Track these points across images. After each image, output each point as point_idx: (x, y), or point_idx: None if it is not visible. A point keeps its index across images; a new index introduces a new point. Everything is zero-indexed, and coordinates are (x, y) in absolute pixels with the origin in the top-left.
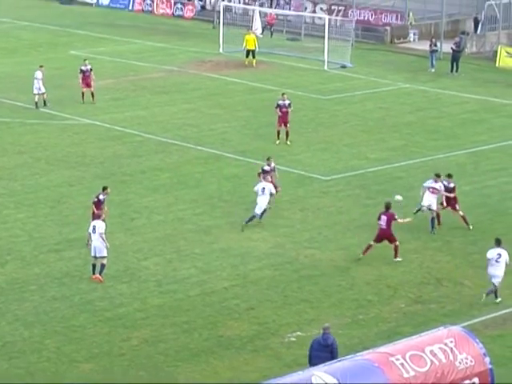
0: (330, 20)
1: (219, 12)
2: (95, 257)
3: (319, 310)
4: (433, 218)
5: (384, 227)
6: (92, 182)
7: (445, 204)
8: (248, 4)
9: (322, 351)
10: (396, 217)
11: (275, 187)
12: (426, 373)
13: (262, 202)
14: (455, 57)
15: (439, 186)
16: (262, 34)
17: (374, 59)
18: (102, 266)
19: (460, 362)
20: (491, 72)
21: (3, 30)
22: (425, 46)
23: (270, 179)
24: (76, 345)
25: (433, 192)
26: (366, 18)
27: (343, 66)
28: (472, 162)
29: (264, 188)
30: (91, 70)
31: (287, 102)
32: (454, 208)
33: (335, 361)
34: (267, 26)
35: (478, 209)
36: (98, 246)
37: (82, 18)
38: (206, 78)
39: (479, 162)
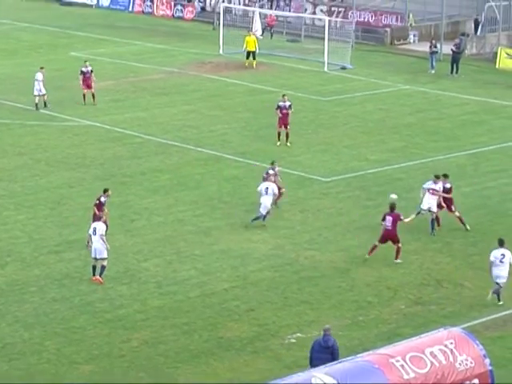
0: (330, 21)
1: (219, 13)
2: (95, 258)
3: (319, 312)
4: (433, 220)
5: (390, 228)
6: (92, 184)
7: (443, 205)
8: (248, 5)
9: (323, 353)
10: (402, 217)
11: (279, 188)
12: (426, 374)
13: (267, 202)
14: (455, 58)
15: (438, 187)
16: (262, 35)
17: (374, 61)
18: (103, 267)
19: (460, 364)
20: (491, 73)
21: (3, 32)
22: (425, 47)
23: (273, 179)
24: (76, 346)
25: (432, 193)
26: (366, 20)
27: (343, 68)
28: (472, 163)
29: (267, 188)
30: (92, 71)
31: (288, 104)
32: (449, 209)
33: (335, 362)
34: (267, 28)
35: (478, 210)
36: (99, 247)
37: (82, 19)
38: (206, 80)
39: (479, 163)
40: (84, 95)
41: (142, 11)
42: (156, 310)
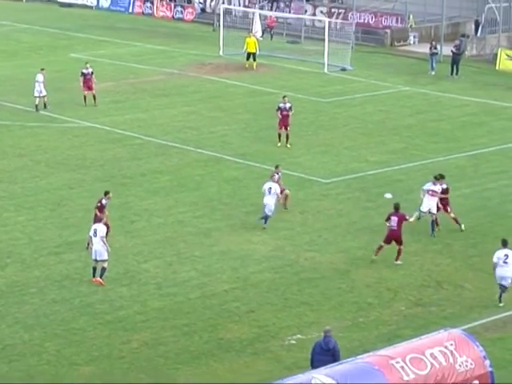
0: (330, 23)
1: (219, 15)
2: (96, 260)
3: (319, 313)
4: (433, 221)
5: (395, 228)
6: (92, 185)
7: (439, 206)
8: (248, 7)
9: (324, 355)
10: (407, 217)
11: (283, 190)
12: (426, 376)
13: (270, 202)
14: (455, 59)
15: (438, 188)
16: (262, 36)
17: (374, 62)
18: (103, 269)
19: (460, 365)
20: (491, 75)
21: (3, 33)
22: (425, 48)
23: (276, 179)
24: (76, 348)
25: (432, 195)
26: (366, 21)
27: (343, 69)
28: (472, 164)
29: (270, 188)
30: (92, 73)
31: (288, 105)
32: (445, 209)
33: (335, 364)
34: (267, 29)
35: (478, 212)
36: (99, 249)
37: (81, 20)
38: (206, 81)
39: (479, 164)
40: (85, 97)
41: (142, 12)
42: (156, 311)
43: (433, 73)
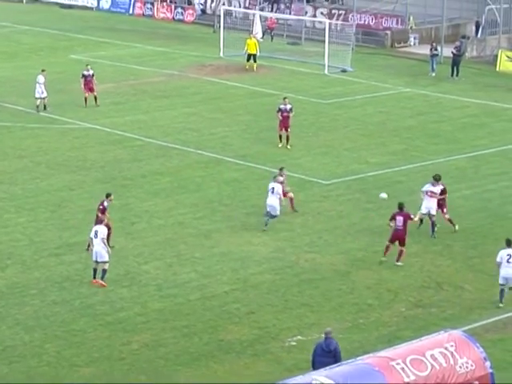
0: (330, 24)
1: (220, 16)
2: (96, 261)
3: (320, 314)
4: (433, 222)
5: (401, 228)
6: (92, 187)
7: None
8: (248, 8)
9: (326, 357)
10: (412, 216)
11: (286, 192)
12: (426, 377)
13: (272, 202)
14: (456, 61)
15: (437, 189)
16: (263, 38)
17: (374, 63)
18: (104, 271)
19: (460, 367)
20: (492, 76)
21: (4, 34)
22: (425, 50)
23: (281, 180)
24: (76, 349)
25: (431, 196)
26: (366, 22)
27: (344, 70)
28: (472, 166)
29: (273, 188)
30: (93, 75)
31: (288, 107)
32: (441, 210)
33: (336, 365)
34: (267, 30)
35: (478, 213)
36: (100, 250)
37: (82, 22)
38: (207, 82)
39: (480, 166)
40: (85, 98)
41: (143, 14)
42: (156, 312)
43: (433, 74)
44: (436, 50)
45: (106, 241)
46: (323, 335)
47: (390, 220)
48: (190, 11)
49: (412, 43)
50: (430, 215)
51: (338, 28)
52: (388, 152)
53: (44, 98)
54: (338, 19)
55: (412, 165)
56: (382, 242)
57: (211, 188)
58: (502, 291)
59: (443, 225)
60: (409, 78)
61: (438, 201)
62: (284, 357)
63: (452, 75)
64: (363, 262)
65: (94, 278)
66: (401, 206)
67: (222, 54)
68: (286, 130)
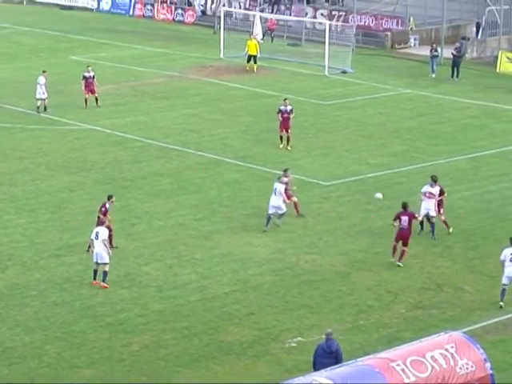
0: (330, 25)
1: (220, 17)
2: (97, 263)
3: (320, 316)
4: (433, 223)
5: (406, 227)
6: (93, 188)
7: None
8: (249, 9)
9: (327, 358)
10: (416, 215)
11: (290, 196)
12: (426, 378)
13: (276, 203)
14: (456, 62)
15: (435, 190)
16: (263, 39)
17: (374, 64)
18: (105, 273)
19: (461, 368)
20: (492, 77)
21: (4, 36)
22: (425, 51)
23: (285, 180)
24: (76, 350)
25: (429, 197)
26: (366, 24)
27: (344, 72)
28: (472, 167)
29: (276, 188)
30: (94, 76)
31: (289, 108)
32: (438, 211)
33: (336, 366)
34: (268, 32)
35: (478, 214)
36: (100, 252)
37: (82, 23)
38: (207, 84)
39: (480, 167)
40: (86, 99)
41: (143, 15)
42: (156, 313)
43: (433, 75)
44: (436, 51)
45: (106, 242)
46: (324, 336)
47: (394, 220)
48: (191, 12)
49: (412, 44)
50: (428, 216)
51: (339, 29)
52: (388, 153)
53: (45, 99)
54: (338, 20)
55: (412, 166)
56: (382, 243)
57: (211, 189)
58: (503, 290)
59: (444, 228)
60: (409, 79)
61: (437, 202)
62: (284, 358)
63: (452, 76)
64: (363, 263)
65: (95, 279)
66: (405, 206)
67: (222, 56)
68: (287, 131)
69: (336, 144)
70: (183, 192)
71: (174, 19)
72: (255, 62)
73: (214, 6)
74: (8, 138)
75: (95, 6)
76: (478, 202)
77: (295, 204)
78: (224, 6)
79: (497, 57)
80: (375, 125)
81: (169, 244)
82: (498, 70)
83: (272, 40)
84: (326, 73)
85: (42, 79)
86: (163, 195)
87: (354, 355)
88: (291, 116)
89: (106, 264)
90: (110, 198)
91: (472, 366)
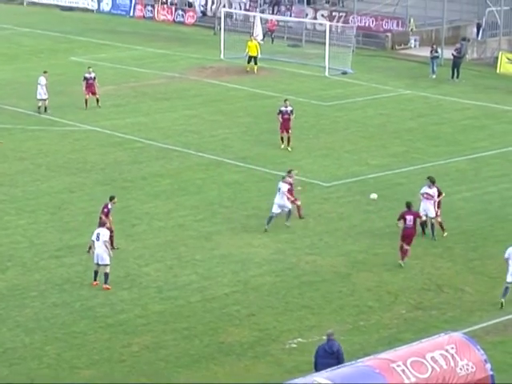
0: (330, 26)
1: (220, 18)
2: (98, 264)
3: (320, 317)
4: (432, 224)
5: (411, 226)
6: (93, 189)
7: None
8: (249, 10)
9: (328, 358)
10: (420, 214)
11: (295, 200)
12: (427, 379)
13: (280, 201)
14: (456, 63)
15: (433, 191)
16: (263, 40)
17: (374, 65)
18: (106, 274)
19: (461, 369)
20: (492, 78)
21: (4, 37)
22: (426, 52)
23: (289, 181)
24: (76, 351)
25: (427, 198)
26: (366, 25)
27: (344, 73)
28: (473, 168)
29: (280, 188)
30: (95, 78)
31: (289, 109)
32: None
33: (336, 367)
34: (268, 33)
35: (478, 215)
36: (101, 253)
37: (82, 24)
38: (207, 85)
39: (480, 168)
40: (86, 100)
41: (143, 16)
42: (157, 314)
43: (434, 76)
44: (436, 52)
45: (107, 243)
46: (325, 337)
47: (399, 220)
48: (191, 13)
49: (412, 45)
50: (427, 217)
51: (339, 30)
52: (388, 154)
53: (45, 100)
54: (338, 21)
55: (412, 167)
56: (382, 244)
57: (212, 190)
58: (506, 289)
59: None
60: (409, 80)
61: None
62: (284, 359)
63: (452, 77)
64: (364, 264)
65: (95, 280)
66: (409, 205)
67: (222, 56)
68: (287, 132)
69: (336, 145)
70: (183, 193)
71: (174, 20)
72: (255, 63)
73: (214, 6)
74: (8, 139)
75: (95, 6)
76: (478, 203)
77: (298, 208)
78: (224, 6)
79: (497, 58)
80: (375, 126)
81: (169, 245)
82: (498, 71)
83: (272, 41)
84: (327, 74)
85: (42, 80)
86: (163, 196)
87: (355, 356)
88: (292, 117)
89: (106, 265)
90: (112, 198)
91: (472, 367)
